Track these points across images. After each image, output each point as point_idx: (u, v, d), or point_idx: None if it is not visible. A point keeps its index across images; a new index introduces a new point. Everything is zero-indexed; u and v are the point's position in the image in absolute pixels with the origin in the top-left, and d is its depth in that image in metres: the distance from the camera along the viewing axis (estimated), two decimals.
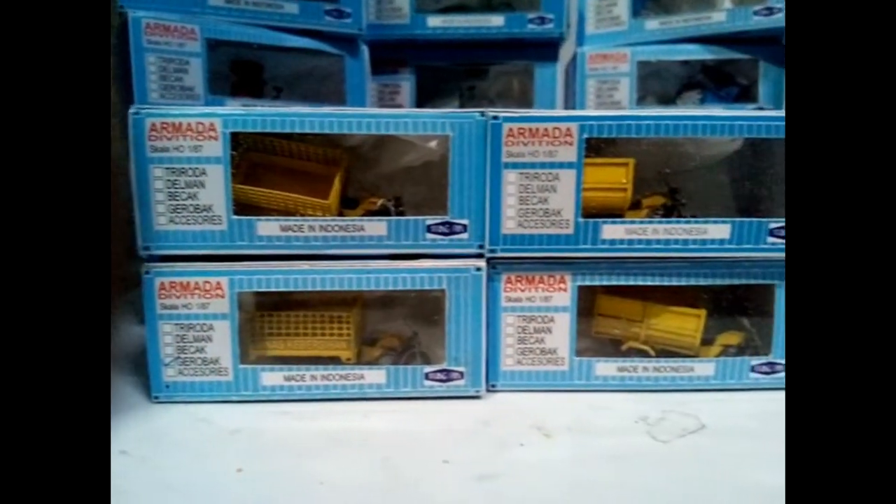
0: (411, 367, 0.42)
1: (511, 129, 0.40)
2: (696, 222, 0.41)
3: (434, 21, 0.69)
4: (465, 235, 0.41)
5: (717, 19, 0.68)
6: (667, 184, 0.44)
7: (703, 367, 0.44)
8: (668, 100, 0.74)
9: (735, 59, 0.70)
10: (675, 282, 0.43)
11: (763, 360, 0.44)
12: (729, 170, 0.46)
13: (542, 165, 0.40)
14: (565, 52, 0.74)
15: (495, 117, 0.40)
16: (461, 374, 0.42)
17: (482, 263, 0.41)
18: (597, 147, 0.43)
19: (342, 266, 0.41)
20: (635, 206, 0.43)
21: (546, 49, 0.71)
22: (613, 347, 0.47)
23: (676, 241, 0.41)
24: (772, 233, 0.41)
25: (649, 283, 0.43)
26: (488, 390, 0.44)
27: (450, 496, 0.30)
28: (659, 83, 0.76)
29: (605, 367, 0.44)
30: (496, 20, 0.69)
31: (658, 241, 0.41)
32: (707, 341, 0.46)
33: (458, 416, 0.40)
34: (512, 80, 0.75)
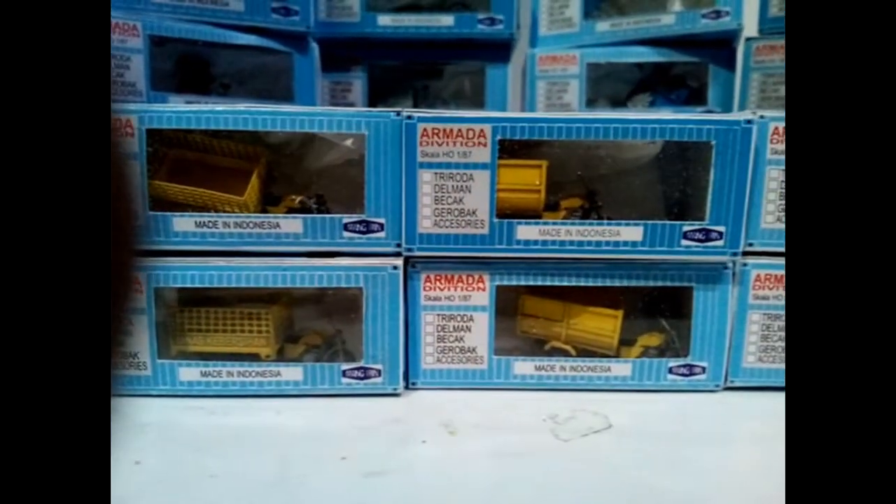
0: (328, 364, 0.43)
1: (426, 130, 0.40)
2: (609, 224, 0.41)
3: (384, 20, 0.69)
4: (381, 234, 0.41)
5: (666, 22, 0.68)
6: (585, 186, 0.44)
7: (621, 368, 0.44)
8: (619, 102, 0.75)
9: (686, 62, 0.71)
10: (591, 282, 0.43)
11: (681, 362, 0.44)
12: (652, 173, 0.46)
13: (457, 166, 0.41)
14: (521, 54, 0.74)
15: (409, 117, 0.40)
16: (379, 371, 0.43)
17: (399, 262, 0.41)
18: (517, 149, 0.43)
19: (258, 263, 0.41)
20: (553, 207, 0.44)
21: (497, 50, 0.71)
22: (539, 347, 0.48)
23: (590, 243, 0.42)
24: (685, 235, 0.42)
25: (566, 284, 0.43)
26: (408, 388, 0.44)
27: (331, 491, 0.31)
28: (611, 86, 0.76)
29: (523, 366, 0.44)
30: (446, 20, 0.69)
31: (572, 243, 0.42)
32: (628, 342, 0.46)
33: (370, 413, 0.40)
34: (464, 81, 0.76)
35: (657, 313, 0.47)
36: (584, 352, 0.46)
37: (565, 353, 0.46)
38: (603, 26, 0.70)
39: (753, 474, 0.34)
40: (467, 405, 0.42)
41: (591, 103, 0.75)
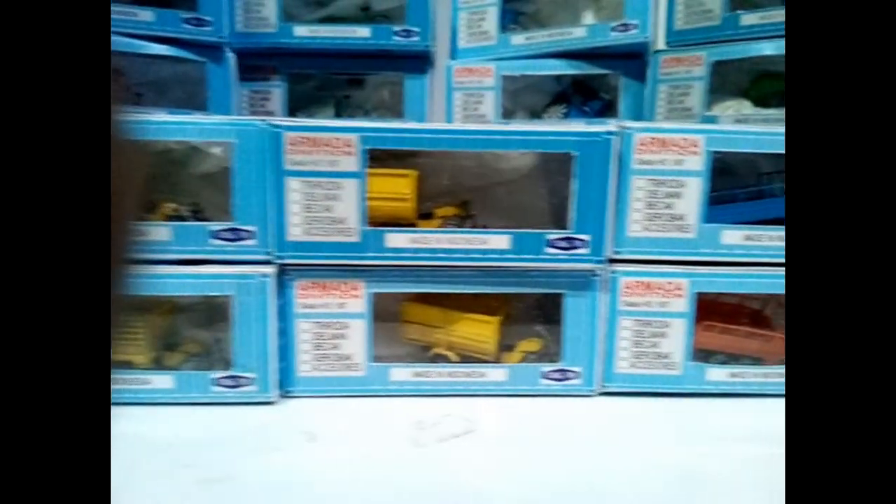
0: (199, 373, 0.43)
1: (292, 138, 0.41)
2: (477, 233, 0.42)
3: (301, 31, 0.70)
4: (251, 242, 0.42)
5: (578, 35, 0.70)
6: (460, 195, 0.45)
7: (496, 373, 0.45)
8: (538, 113, 0.76)
9: (599, 74, 0.73)
10: (465, 289, 0.44)
11: (554, 366, 0.45)
12: (530, 183, 0.47)
13: (325, 174, 0.41)
14: (443, 66, 0.75)
15: (276, 126, 0.40)
16: (251, 380, 0.43)
17: (269, 270, 0.42)
18: (405, 158, 0.44)
19: None
20: (428, 216, 0.45)
21: (414, 61, 0.72)
22: (425, 353, 0.48)
23: (460, 251, 0.42)
24: (550, 244, 0.42)
25: (440, 291, 0.44)
26: (284, 396, 0.44)
27: (161, 498, 0.31)
28: (531, 97, 0.78)
29: (401, 373, 0.45)
30: (362, 31, 0.70)
31: (443, 251, 0.42)
32: (509, 347, 0.47)
33: (236, 421, 0.40)
34: (383, 91, 0.76)
35: (535, 319, 0.47)
36: (467, 357, 0.47)
37: (448, 360, 0.46)
38: (518, 39, 0.72)
39: (597, 477, 0.35)
40: (339, 412, 0.42)
41: (509, 114, 0.76)
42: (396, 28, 0.69)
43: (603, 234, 0.42)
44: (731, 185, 0.45)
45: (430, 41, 0.70)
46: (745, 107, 0.63)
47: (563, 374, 0.45)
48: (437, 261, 0.42)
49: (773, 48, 0.59)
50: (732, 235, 0.44)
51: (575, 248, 0.42)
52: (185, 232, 0.41)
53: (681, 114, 0.65)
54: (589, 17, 0.70)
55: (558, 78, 0.77)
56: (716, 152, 0.43)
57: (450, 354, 0.47)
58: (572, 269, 0.43)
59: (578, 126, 0.42)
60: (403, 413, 0.42)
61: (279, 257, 0.42)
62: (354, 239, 0.42)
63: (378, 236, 0.42)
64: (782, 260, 0.44)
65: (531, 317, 0.48)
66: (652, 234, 0.43)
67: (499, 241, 0.42)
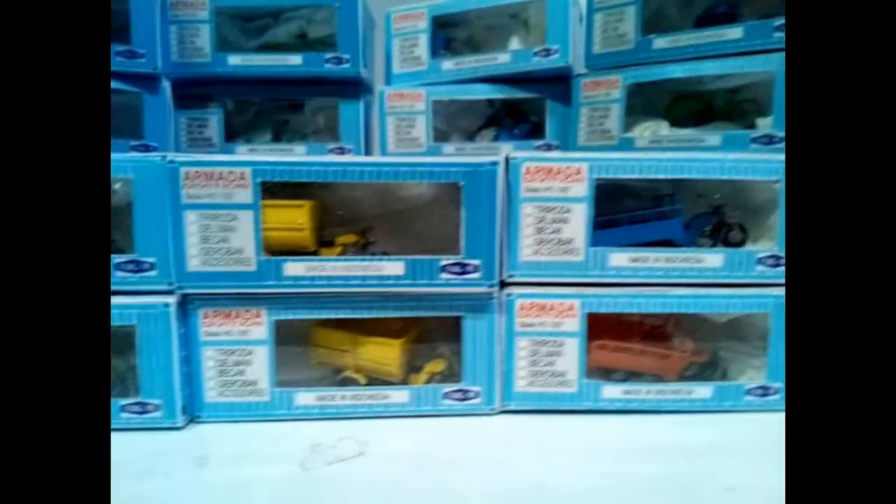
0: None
1: (189, 173, 0.42)
2: (372, 260, 0.44)
3: (235, 60, 0.72)
4: (152, 273, 0.43)
5: (503, 60, 0.72)
6: (363, 223, 0.47)
7: (399, 395, 0.46)
8: (470, 136, 0.78)
9: (528, 98, 0.75)
10: (366, 315, 0.45)
11: (455, 387, 0.46)
12: (431, 210, 0.49)
13: (221, 206, 0.43)
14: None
15: (171, 161, 0.42)
16: (156, 406, 0.44)
17: (170, 299, 0.43)
18: (311, 190, 0.46)
19: None
20: (329, 243, 0.46)
21: (348, 87, 0.74)
22: (336, 376, 0.49)
23: (356, 278, 0.44)
24: (444, 269, 0.44)
25: (341, 317, 0.45)
26: (192, 422, 0.45)
27: None
28: (464, 120, 0.80)
29: (305, 397, 0.46)
30: (294, 59, 0.72)
31: (339, 278, 0.44)
32: (416, 369, 0.49)
33: (136, 446, 0.41)
34: (319, 116, 0.78)
35: (441, 341, 0.49)
36: (375, 380, 0.48)
37: (357, 382, 0.48)
38: (448, 65, 0.74)
39: (470, 495, 0.36)
40: (240, 437, 0.43)
41: (444, 137, 0.79)
42: (328, 55, 0.71)
43: (493, 259, 0.44)
44: (617, 210, 0.47)
45: (362, 67, 0.72)
46: (663, 127, 0.66)
47: (464, 394, 0.46)
48: (335, 288, 0.44)
49: (683, 70, 0.61)
50: (619, 258, 0.45)
51: (467, 272, 0.44)
52: None
53: (600, 136, 0.67)
54: (515, 43, 0.73)
55: (491, 102, 0.79)
56: (599, 179, 0.45)
57: (358, 377, 0.48)
58: (468, 292, 0.45)
59: (465, 158, 0.43)
60: (303, 437, 0.43)
61: (180, 287, 0.43)
62: (252, 268, 0.43)
63: (276, 265, 0.43)
64: (666, 280, 0.46)
65: (437, 338, 0.49)
66: (542, 258, 0.45)
67: (394, 267, 0.44)
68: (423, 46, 0.75)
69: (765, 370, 0.47)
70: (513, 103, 0.77)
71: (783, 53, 0.55)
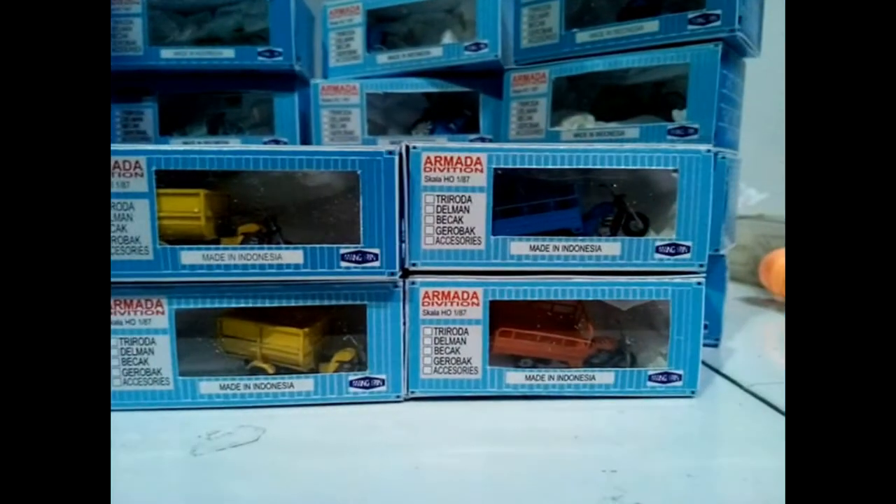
0: None
1: None
2: (270, 249, 0.44)
3: (167, 53, 0.71)
4: None
5: (435, 54, 0.72)
6: (265, 212, 0.47)
7: (304, 384, 0.47)
8: (407, 129, 0.78)
9: (462, 92, 0.75)
10: (265, 304, 0.46)
11: (361, 375, 0.47)
12: (338, 199, 0.49)
13: (117, 195, 0.43)
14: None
15: None
16: None
17: None
18: (214, 179, 0.46)
19: None
20: (231, 232, 0.46)
21: (282, 80, 0.74)
22: (245, 366, 0.50)
23: (254, 266, 0.44)
24: (343, 258, 0.44)
25: (241, 306, 0.46)
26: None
27: None
28: (401, 114, 0.80)
29: (209, 386, 0.46)
30: (227, 53, 0.72)
31: (236, 266, 0.44)
32: (326, 357, 0.49)
33: None
34: (254, 110, 0.78)
35: (348, 331, 0.49)
36: (282, 369, 0.48)
37: (266, 372, 0.48)
38: (383, 59, 0.74)
39: (359, 482, 0.37)
40: (138, 424, 0.43)
41: (381, 130, 0.79)
42: (260, 48, 0.71)
43: (393, 248, 0.44)
44: (518, 200, 0.47)
45: (295, 60, 0.72)
46: (589, 121, 0.67)
47: (370, 382, 0.47)
48: (234, 277, 0.44)
49: (605, 64, 0.62)
50: (519, 247, 0.46)
51: (367, 261, 0.44)
52: None
53: (529, 129, 0.68)
54: (448, 37, 0.73)
55: (428, 96, 0.80)
56: (498, 168, 0.45)
57: (266, 367, 0.48)
58: (370, 280, 0.45)
59: (362, 147, 0.44)
60: (202, 425, 0.43)
61: None
62: (148, 257, 0.43)
63: (173, 254, 0.43)
64: (566, 268, 0.46)
65: (345, 328, 0.50)
66: (444, 247, 0.46)
67: (292, 256, 0.44)
68: (358, 40, 0.75)
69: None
70: (448, 97, 0.77)
71: (696, 46, 0.56)
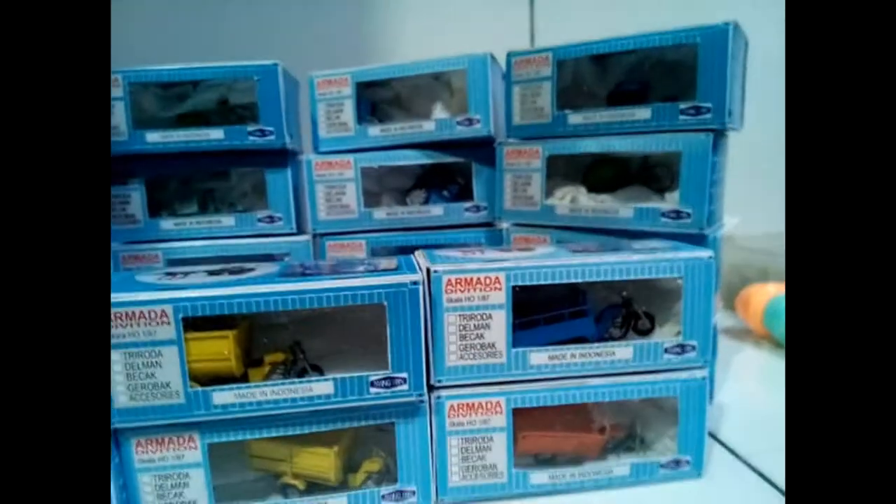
0: None
1: (114, 315, 0.42)
2: (301, 382, 0.45)
3: (153, 137, 0.70)
4: None
5: (427, 128, 0.73)
6: (292, 338, 0.48)
7: (337, 502, 0.48)
8: (400, 196, 0.79)
9: (455, 162, 0.76)
10: (297, 432, 0.47)
11: (392, 489, 0.49)
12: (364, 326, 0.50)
13: (143, 344, 0.43)
14: (308, 153, 0.77)
15: None
16: None
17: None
18: None
19: None
20: (258, 363, 0.47)
21: (274, 156, 0.73)
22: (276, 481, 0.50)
23: (286, 400, 0.45)
24: (372, 384, 0.46)
25: (274, 436, 0.46)
26: None
27: None
28: (395, 180, 0.81)
29: None
30: (216, 134, 0.71)
31: (268, 402, 0.45)
32: (354, 468, 0.50)
33: None
34: (245, 184, 0.77)
35: (374, 442, 0.51)
36: (313, 483, 0.50)
37: (297, 488, 0.49)
38: (375, 131, 0.75)
39: None
40: None
41: (375, 198, 0.79)
42: (251, 128, 0.71)
43: (420, 370, 0.46)
44: (534, 306, 0.49)
45: (287, 138, 0.71)
46: (581, 193, 0.69)
47: (401, 495, 0.49)
48: (266, 411, 0.45)
49: (598, 146, 0.64)
50: (539, 357, 0.48)
51: (395, 385, 0.46)
52: None
53: (524, 201, 0.70)
54: (439, 111, 0.74)
55: (422, 164, 0.80)
56: (516, 286, 0.47)
57: (297, 483, 0.49)
58: (397, 402, 0.47)
59: (388, 279, 0.45)
60: None
61: (113, 423, 0.43)
62: (180, 401, 0.44)
63: (205, 396, 0.44)
64: (583, 373, 0.49)
65: (372, 439, 0.51)
66: (467, 363, 0.48)
67: (323, 387, 0.45)
68: (348, 112, 0.75)
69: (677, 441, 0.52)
70: (442, 165, 0.78)
71: (688, 134, 0.59)
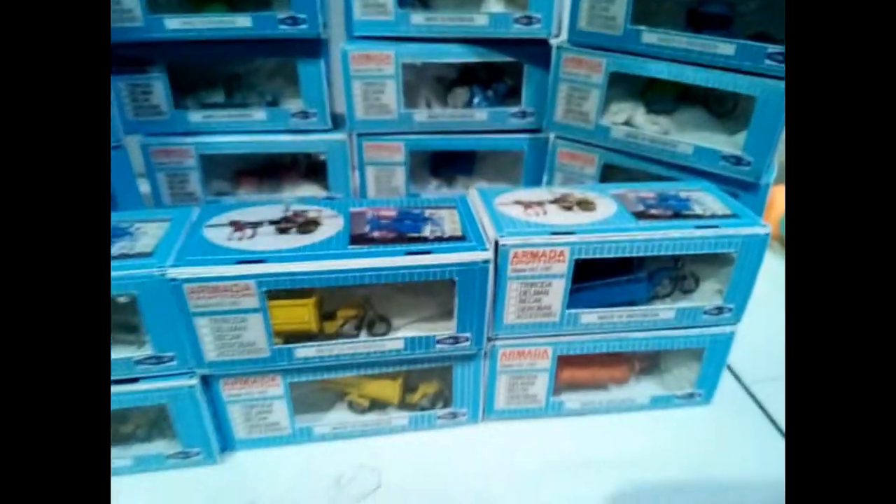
0: None
1: (192, 288, 0.43)
2: (374, 340, 0.49)
3: (173, 23, 0.62)
4: (173, 363, 0.47)
5: (479, 23, 0.65)
6: (362, 297, 0.50)
7: (400, 418, 0.56)
8: (440, 95, 0.73)
9: (502, 62, 0.69)
10: (369, 372, 0.52)
11: (446, 410, 0.56)
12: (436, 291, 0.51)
13: (229, 313, 0.45)
14: (339, 42, 0.68)
15: (174, 279, 0.42)
16: (198, 452, 0.52)
17: (193, 381, 0.48)
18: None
19: None
20: (331, 315, 0.50)
21: (307, 45, 0.66)
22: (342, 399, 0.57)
23: (360, 354, 0.49)
24: (439, 341, 0.50)
25: (348, 375, 0.52)
26: (226, 452, 0.54)
27: None
28: (438, 71, 0.74)
29: (322, 428, 0.55)
30: (243, 21, 0.62)
31: (345, 356, 0.49)
32: (411, 388, 0.57)
33: (185, 484, 0.51)
34: (277, 73, 0.71)
35: (433, 378, 0.57)
36: (374, 402, 0.57)
37: (360, 405, 0.56)
38: (418, 19, 0.66)
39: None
40: (275, 468, 0.53)
41: (414, 92, 0.73)
42: (281, 15, 0.62)
43: (482, 330, 0.50)
44: (591, 273, 0.51)
45: (321, 28, 0.64)
46: (639, 113, 0.65)
47: (454, 416, 0.56)
48: (342, 361, 0.49)
49: (671, 73, 0.59)
50: (589, 317, 0.52)
51: (459, 342, 0.50)
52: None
53: (577, 116, 0.67)
54: (493, 2, 0.65)
55: None
56: (578, 259, 0.48)
57: (362, 401, 0.56)
58: (459, 354, 0.51)
59: (459, 256, 0.45)
60: (326, 463, 0.53)
61: (198, 372, 0.48)
62: (266, 355, 0.48)
63: (288, 351, 0.48)
64: (627, 330, 0.53)
65: (429, 373, 0.57)
66: (523, 321, 0.51)
67: (394, 343, 0.49)
68: None
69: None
70: (488, 62, 0.71)
71: (767, 81, 0.54)
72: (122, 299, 0.44)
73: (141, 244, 0.46)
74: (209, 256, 0.44)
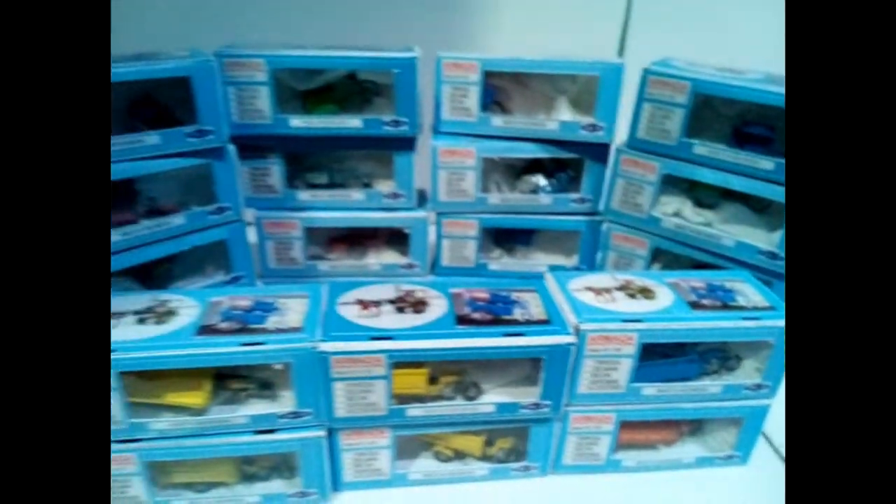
0: None
1: (336, 360, 0.54)
2: (470, 403, 0.59)
3: (296, 122, 0.74)
4: (310, 418, 0.57)
5: (551, 127, 0.77)
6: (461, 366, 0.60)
7: (481, 468, 0.65)
8: (509, 180, 0.85)
9: (568, 157, 0.81)
10: (461, 429, 0.61)
11: (520, 464, 0.65)
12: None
13: (361, 378, 0.55)
14: (427, 139, 0.80)
15: (323, 352, 0.53)
16: (314, 492, 0.61)
17: (321, 433, 0.58)
18: None
19: None
20: (434, 380, 0.60)
21: (404, 142, 0.78)
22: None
23: (459, 415, 0.59)
24: (523, 406, 0.59)
25: (446, 433, 0.61)
26: (337, 491, 0.63)
27: None
28: (510, 162, 0.85)
29: (416, 474, 0.64)
30: (354, 122, 0.74)
31: (446, 415, 0.59)
32: (490, 442, 0.67)
33: None
34: (370, 162, 0.83)
35: (510, 434, 0.66)
36: (457, 452, 0.66)
37: (446, 455, 0.66)
38: (497, 122, 0.78)
39: None
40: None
41: (487, 175, 0.84)
42: (386, 119, 0.74)
43: (560, 399, 0.60)
44: (654, 355, 0.61)
45: (418, 129, 0.75)
46: (687, 206, 0.76)
47: (527, 469, 0.65)
48: (443, 420, 0.59)
49: (717, 179, 0.70)
50: (649, 389, 0.62)
51: (539, 408, 0.60)
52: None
53: (632, 208, 0.77)
54: (563, 111, 0.76)
55: None
56: (645, 343, 0.58)
57: (447, 452, 0.66)
58: (538, 417, 0.61)
59: (548, 339, 0.56)
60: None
61: (327, 426, 0.58)
62: (383, 413, 0.58)
63: (401, 411, 0.58)
64: (680, 401, 0.63)
65: (506, 431, 0.66)
66: (594, 391, 0.61)
67: (486, 407, 0.59)
68: (473, 98, 0.77)
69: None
70: (555, 158, 0.82)
71: None
72: (277, 366, 0.55)
73: (289, 319, 0.57)
74: (348, 333, 0.55)
